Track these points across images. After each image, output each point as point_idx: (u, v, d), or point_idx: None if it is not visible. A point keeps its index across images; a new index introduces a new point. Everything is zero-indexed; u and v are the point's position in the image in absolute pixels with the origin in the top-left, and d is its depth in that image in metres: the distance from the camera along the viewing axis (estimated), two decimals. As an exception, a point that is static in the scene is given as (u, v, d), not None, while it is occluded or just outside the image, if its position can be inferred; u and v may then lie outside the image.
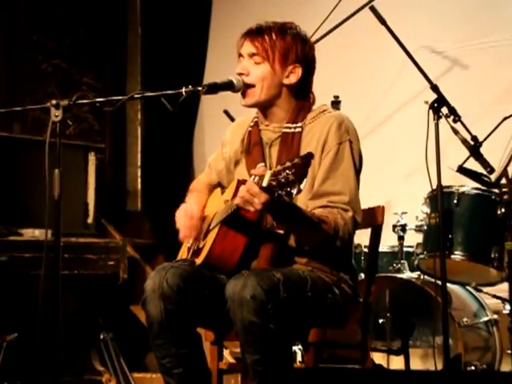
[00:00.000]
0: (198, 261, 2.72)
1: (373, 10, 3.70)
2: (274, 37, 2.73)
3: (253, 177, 2.45)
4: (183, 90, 2.61)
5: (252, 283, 2.45)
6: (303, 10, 5.02)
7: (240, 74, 2.74)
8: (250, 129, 2.88)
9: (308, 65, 2.79)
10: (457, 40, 4.83)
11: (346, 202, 2.63)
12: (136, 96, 2.75)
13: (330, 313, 2.70)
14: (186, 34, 5.73)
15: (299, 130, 2.75)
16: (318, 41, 4.19)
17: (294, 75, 2.76)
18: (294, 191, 2.31)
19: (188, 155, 5.71)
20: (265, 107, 2.80)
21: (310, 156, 2.34)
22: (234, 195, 2.59)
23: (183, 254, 2.94)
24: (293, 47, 2.74)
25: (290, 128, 2.76)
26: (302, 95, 2.81)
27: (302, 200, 2.62)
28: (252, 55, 2.74)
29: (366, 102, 4.89)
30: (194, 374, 2.69)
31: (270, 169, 2.51)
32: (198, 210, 2.85)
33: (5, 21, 5.14)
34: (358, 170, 2.74)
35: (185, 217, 2.82)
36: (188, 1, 5.77)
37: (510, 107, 3.76)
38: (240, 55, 2.79)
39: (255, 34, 2.74)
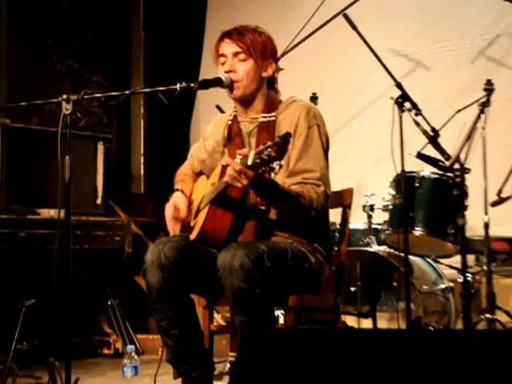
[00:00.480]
0: (192, 236, 2.72)
1: (346, 17, 3.66)
2: (252, 36, 2.74)
3: (238, 156, 2.46)
4: (178, 86, 2.60)
5: (240, 254, 2.46)
6: (291, 11, 5.01)
7: (228, 72, 2.73)
8: (229, 122, 2.88)
9: (276, 60, 2.83)
10: (420, 44, 4.84)
11: (318, 178, 2.65)
12: (136, 91, 2.74)
13: (306, 279, 2.72)
14: (184, 38, 5.71)
15: (273, 118, 2.77)
16: (299, 43, 4.20)
17: (270, 69, 2.79)
18: (277, 166, 2.33)
19: (185, 144, 5.67)
20: (248, 100, 2.80)
21: (288, 135, 2.36)
22: (221, 178, 2.60)
23: (175, 231, 2.92)
24: (267, 45, 2.77)
25: (265, 117, 2.78)
26: (271, 87, 2.85)
27: (280, 178, 2.61)
28: (237, 54, 2.74)
29: (341, 98, 4.88)
30: (188, 335, 2.69)
31: None
32: (184, 204, 2.84)
33: (24, 27, 5.10)
34: (325, 150, 2.76)
35: (171, 210, 2.83)
36: (185, 9, 5.74)
37: (466, 103, 3.73)
38: (221, 55, 2.77)
39: (237, 35, 2.74)
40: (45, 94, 5.00)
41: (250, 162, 2.35)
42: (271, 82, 2.85)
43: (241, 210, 2.66)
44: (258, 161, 2.33)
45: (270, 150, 2.31)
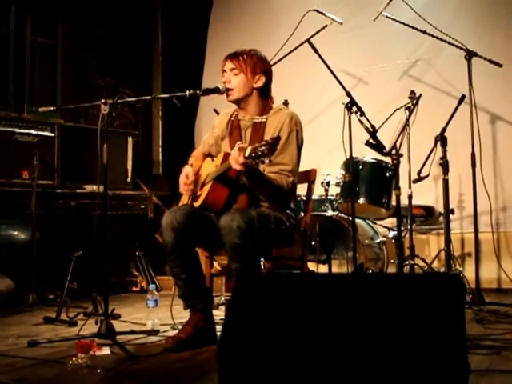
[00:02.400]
0: (197, 204, 2.63)
1: (310, 43, 3.55)
2: (245, 57, 2.66)
3: (236, 144, 2.42)
4: (187, 92, 2.55)
5: (237, 217, 2.38)
6: (271, 38, 4.81)
7: (224, 82, 2.67)
8: (232, 118, 2.79)
9: (268, 75, 2.71)
10: (361, 66, 4.81)
11: (289, 171, 2.59)
12: (157, 97, 2.67)
13: (283, 237, 2.63)
14: (191, 60, 5.57)
15: (264, 120, 2.68)
16: (276, 62, 4.07)
17: (260, 81, 2.69)
18: (267, 160, 2.27)
19: (191, 138, 5.64)
20: (241, 103, 2.71)
21: (278, 138, 2.30)
22: (223, 162, 2.55)
23: (183, 200, 2.85)
24: (257, 63, 2.67)
25: (258, 119, 2.69)
26: (265, 96, 2.73)
27: (262, 166, 2.52)
28: (232, 69, 2.67)
29: (306, 104, 4.79)
30: (194, 278, 2.60)
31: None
32: (192, 173, 2.76)
33: (74, 52, 4.96)
34: (300, 149, 2.68)
35: (183, 178, 2.76)
36: (191, 40, 5.62)
37: (395, 108, 3.67)
38: (224, 71, 2.70)
39: (233, 56, 2.68)
40: (89, 102, 4.86)
41: (247, 154, 2.29)
42: (265, 92, 2.73)
43: (235, 186, 2.58)
44: (253, 154, 2.27)
45: (264, 148, 2.24)
